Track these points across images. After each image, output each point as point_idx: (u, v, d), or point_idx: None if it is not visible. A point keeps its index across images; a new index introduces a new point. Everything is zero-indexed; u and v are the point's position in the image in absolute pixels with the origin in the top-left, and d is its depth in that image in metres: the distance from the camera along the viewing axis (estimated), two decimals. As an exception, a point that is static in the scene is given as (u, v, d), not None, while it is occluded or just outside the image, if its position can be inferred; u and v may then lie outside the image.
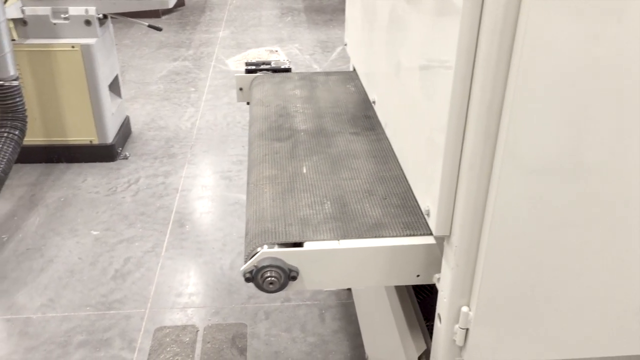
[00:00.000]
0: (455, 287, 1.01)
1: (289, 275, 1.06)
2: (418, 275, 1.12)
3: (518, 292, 0.98)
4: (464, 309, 1.01)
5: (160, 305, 2.32)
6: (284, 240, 1.10)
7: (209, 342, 2.12)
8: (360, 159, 1.39)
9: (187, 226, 2.82)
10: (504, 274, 0.96)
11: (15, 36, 3.13)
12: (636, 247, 0.96)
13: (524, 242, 0.93)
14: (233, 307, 2.31)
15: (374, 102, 1.54)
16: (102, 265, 2.54)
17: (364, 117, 1.61)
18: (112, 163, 3.40)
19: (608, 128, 0.85)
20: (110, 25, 3.44)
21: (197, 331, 2.17)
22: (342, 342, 2.14)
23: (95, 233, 2.76)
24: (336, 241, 1.09)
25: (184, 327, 2.19)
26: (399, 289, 1.44)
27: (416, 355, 1.23)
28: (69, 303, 2.32)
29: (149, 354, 2.07)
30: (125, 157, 3.47)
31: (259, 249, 1.08)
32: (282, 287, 1.07)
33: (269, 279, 1.06)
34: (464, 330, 1.03)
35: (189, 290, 2.41)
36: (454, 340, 1.05)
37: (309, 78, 1.93)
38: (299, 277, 1.09)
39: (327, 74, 1.97)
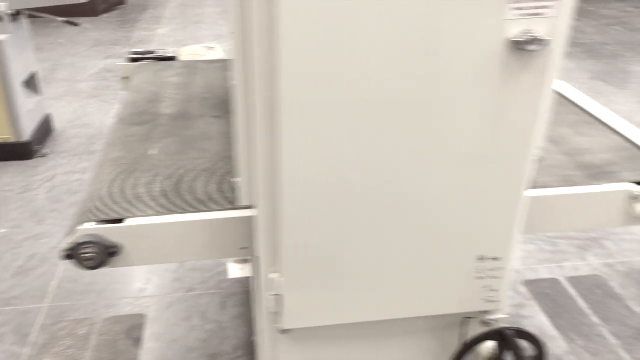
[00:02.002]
0: (266, 255, 1.04)
1: (107, 251, 1.08)
2: (245, 248, 1.14)
3: (322, 257, 1.02)
4: (275, 275, 1.04)
5: (60, 300, 2.30)
6: (107, 217, 1.11)
7: (104, 335, 2.11)
8: (213, 140, 1.41)
9: (98, 221, 2.80)
10: (306, 240, 1.00)
11: None
12: (436, 208, 1.01)
13: (320, 208, 0.97)
14: (133, 300, 2.31)
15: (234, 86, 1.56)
16: (5, 263, 2.50)
17: (231, 102, 1.64)
18: (29, 161, 3.35)
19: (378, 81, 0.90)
20: (25, 22, 3.38)
21: (94, 324, 2.16)
22: (240, 327, 2.16)
23: (2, 231, 2.72)
24: (157, 217, 1.11)
25: (81, 321, 2.17)
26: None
27: (257, 328, 1.26)
28: (-35, 301, 2.28)
29: (42, 348, 2.05)
30: (44, 155, 3.41)
31: (78, 227, 1.09)
32: (101, 263, 1.08)
33: (86, 255, 1.07)
34: (278, 297, 1.06)
35: (91, 284, 2.39)
36: (270, 307, 1.08)
37: (191, 66, 1.94)
38: (124, 254, 1.10)
39: (211, 62, 1.99)
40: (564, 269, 2.43)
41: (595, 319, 2.16)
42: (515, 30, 0.87)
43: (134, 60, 1.98)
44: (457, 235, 1.04)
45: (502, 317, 1.17)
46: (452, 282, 1.09)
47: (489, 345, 1.17)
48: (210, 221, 1.10)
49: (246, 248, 1.14)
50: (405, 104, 0.91)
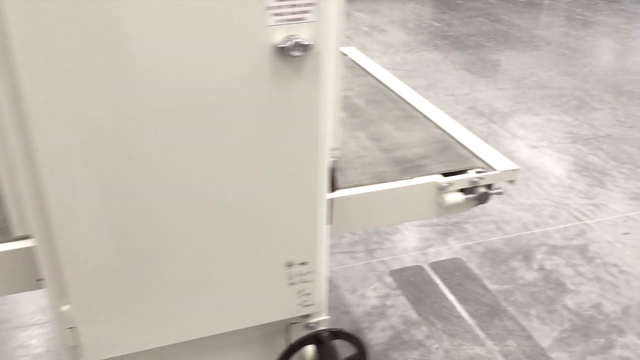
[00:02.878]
0: (53, 287, 0.96)
1: None
2: (42, 279, 1.06)
3: (113, 282, 0.96)
4: (66, 307, 0.97)
5: None
6: None
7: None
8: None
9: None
10: (90, 266, 0.93)
11: None
12: (236, 219, 0.98)
13: (99, 230, 0.91)
14: (-20, 337, 2.11)
15: None
16: None
17: None
18: None
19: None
20: None
21: None
22: None
23: None
24: None
25: None
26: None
27: None
28: None
29: None
30: None
31: None
32: None
33: None
34: (74, 329, 0.99)
35: None
36: (68, 341, 1.01)
37: None
38: None
39: None
40: (427, 255, 2.53)
41: (454, 300, 2.26)
42: (280, 36, 0.86)
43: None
44: (262, 244, 1.03)
45: (323, 319, 1.18)
46: (265, 291, 1.07)
47: (312, 349, 1.17)
48: (-7, 256, 1.00)
49: (42, 280, 1.06)
50: (183, 116, 0.88)
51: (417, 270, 2.44)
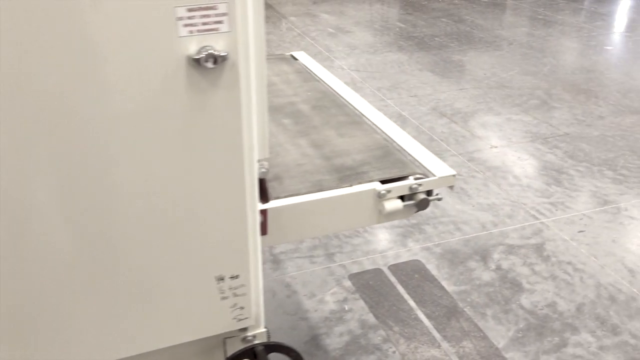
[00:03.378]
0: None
1: None
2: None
3: (21, 302, 0.92)
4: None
5: None
6: None
7: None
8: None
9: None
10: None
11: None
12: (163, 235, 0.96)
13: None
14: None
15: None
16: None
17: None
18: None
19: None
20: None
21: None
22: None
23: None
24: None
25: None
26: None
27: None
28: None
29: None
30: None
31: None
32: None
33: None
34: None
35: None
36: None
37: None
38: None
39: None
40: (386, 258, 2.53)
41: (412, 303, 2.26)
42: (194, 48, 0.84)
43: None
44: (190, 258, 1.00)
45: (260, 332, 1.16)
46: (197, 306, 1.05)
47: (248, 363, 1.15)
48: None
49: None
50: (104, 130, 0.85)
51: (376, 273, 2.44)
